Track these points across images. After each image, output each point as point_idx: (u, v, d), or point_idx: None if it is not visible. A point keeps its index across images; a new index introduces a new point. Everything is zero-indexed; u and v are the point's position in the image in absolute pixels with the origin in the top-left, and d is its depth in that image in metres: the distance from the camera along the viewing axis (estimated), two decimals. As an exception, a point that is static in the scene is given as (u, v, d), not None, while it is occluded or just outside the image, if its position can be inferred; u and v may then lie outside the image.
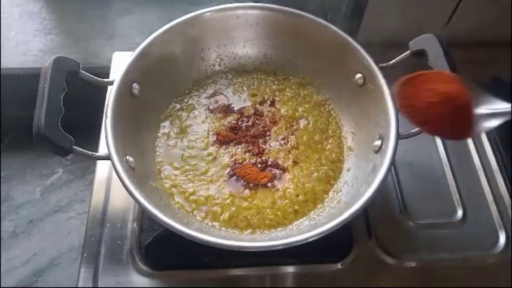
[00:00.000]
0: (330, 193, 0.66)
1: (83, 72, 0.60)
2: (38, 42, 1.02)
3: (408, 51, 0.62)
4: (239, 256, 0.64)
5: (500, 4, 0.84)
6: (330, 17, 0.95)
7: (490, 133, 0.81)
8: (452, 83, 0.41)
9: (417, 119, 0.43)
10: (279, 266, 0.66)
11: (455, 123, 0.40)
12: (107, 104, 0.59)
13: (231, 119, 0.73)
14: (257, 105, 0.75)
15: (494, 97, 0.39)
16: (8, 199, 1.06)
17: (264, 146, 0.70)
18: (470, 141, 0.81)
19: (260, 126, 0.72)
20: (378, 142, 0.62)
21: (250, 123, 0.73)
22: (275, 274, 0.66)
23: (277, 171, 0.68)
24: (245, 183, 0.66)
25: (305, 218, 0.64)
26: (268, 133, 0.72)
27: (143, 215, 0.68)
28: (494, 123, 0.38)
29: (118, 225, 0.68)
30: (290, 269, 0.66)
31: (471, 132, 0.41)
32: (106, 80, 0.62)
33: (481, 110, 0.38)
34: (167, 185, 0.65)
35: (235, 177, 0.67)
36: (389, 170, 0.55)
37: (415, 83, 0.43)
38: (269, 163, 0.68)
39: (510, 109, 0.37)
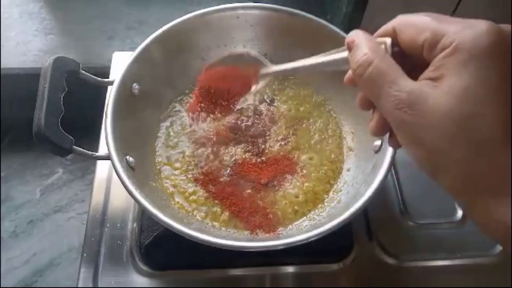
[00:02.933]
0: (330, 193, 0.66)
1: (83, 72, 0.60)
2: (38, 42, 1.02)
3: (408, 51, 0.62)
4: (239, 256, 0.64)
5: (500, 4, 0.84)
6: (330, 17, 0.95)
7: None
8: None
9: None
10: (279, 266, 0.66)
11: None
12: (107, 104, 0.59)
13: (230, 119, 0.73)
14: (257, 105, 0.75)
15: (272, 64, 0.53)
16: (8, 199, 1.05)
17: (263, 146, 0.70)
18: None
19: (259, 126, 0.72)
20: (378, 142, 0.61)
21: (249, 123, 0.73)
22: (275, 274, 0.66)
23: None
24: (245, 183, 0.66)
25: (305, 218, 0.64)
26: (267, 133, 0.72)
27: (143, 215, 0.68)
28: (268, 78, 0.53)
29: (118, 225, 0.68)
30: (290, 269, 0.66)
31: (253, 88, 0.55)
32: (106, 80, 0.62)
33: (261, 72, 0.53)
34: (167, 185, 0.65)
35: (235, 177, 0.67)
36: (389, 170, 0.55)
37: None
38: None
39: (276, 70, 0.51)
